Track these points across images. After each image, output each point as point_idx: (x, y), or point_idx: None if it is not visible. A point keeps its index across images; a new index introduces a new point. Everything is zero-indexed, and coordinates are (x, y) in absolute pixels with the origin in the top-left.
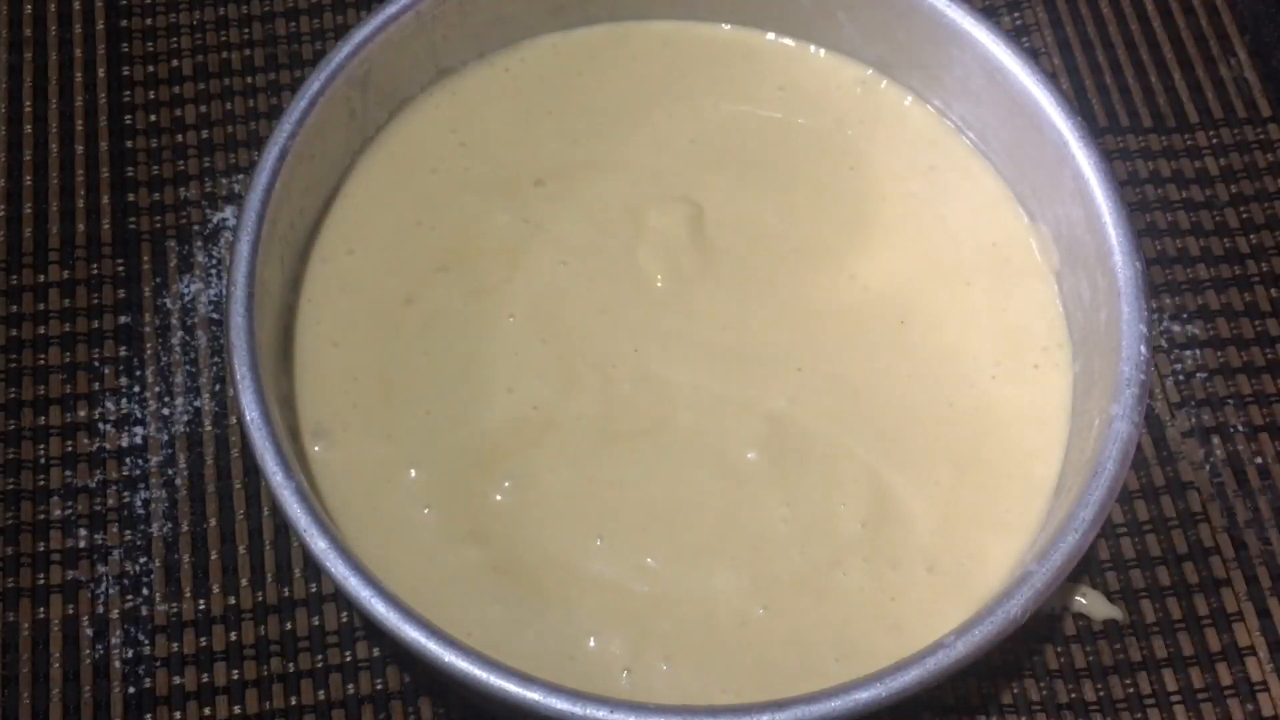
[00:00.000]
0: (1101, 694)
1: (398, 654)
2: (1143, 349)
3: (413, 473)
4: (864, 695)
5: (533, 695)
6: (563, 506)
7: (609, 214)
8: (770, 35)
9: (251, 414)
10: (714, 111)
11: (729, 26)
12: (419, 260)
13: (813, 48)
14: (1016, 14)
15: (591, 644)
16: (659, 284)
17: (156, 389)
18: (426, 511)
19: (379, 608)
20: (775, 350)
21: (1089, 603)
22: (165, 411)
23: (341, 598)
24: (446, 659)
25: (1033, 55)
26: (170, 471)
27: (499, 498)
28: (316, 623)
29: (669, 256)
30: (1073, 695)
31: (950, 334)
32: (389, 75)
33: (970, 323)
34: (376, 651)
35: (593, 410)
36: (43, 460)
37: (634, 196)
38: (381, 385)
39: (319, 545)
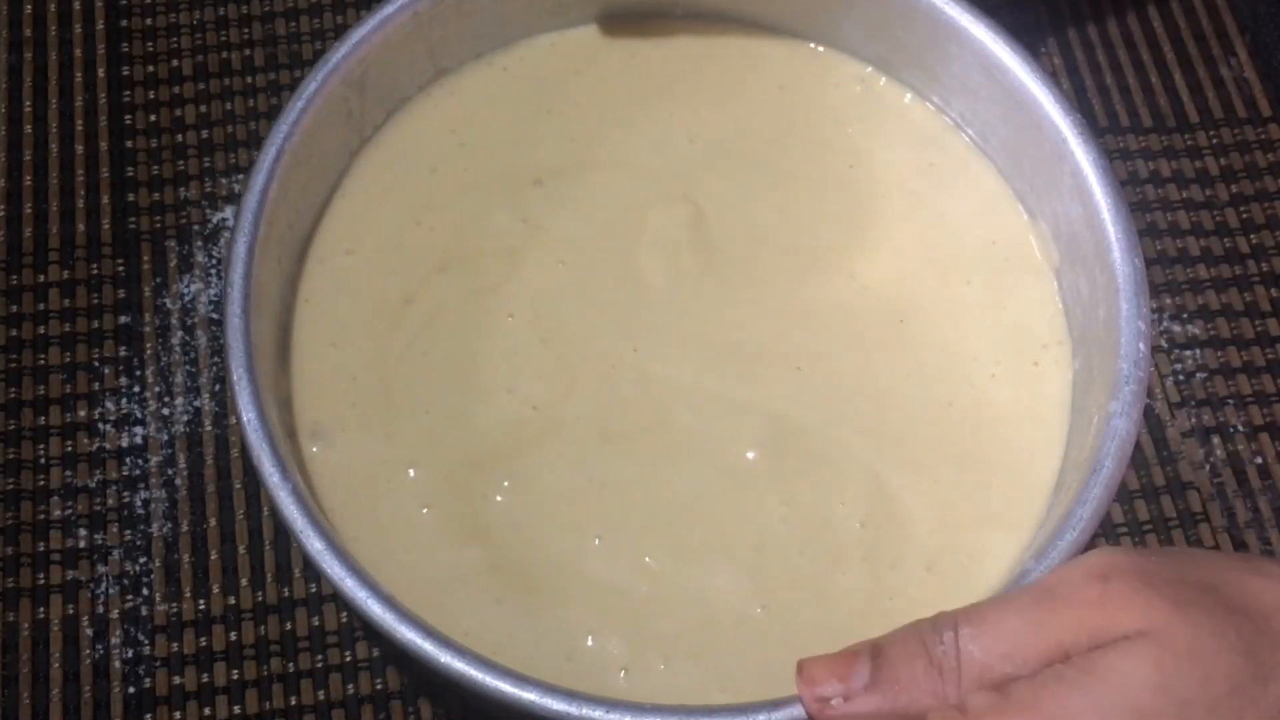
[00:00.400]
0: None
1: (397, 654)
2: (1141, 346)
3: (411, 473)
4: None
5: (529, 696)
6: (561, 506)
7: (608, 214)
8: (769, 33)
9: (248, 414)
10: (713, 110)
11: (728, 24)
12: (418, 260)
13: (812, 45)
14: (1017, 14)
15: (589, 643)
16: (658, 284)
17: (156, 389)
18: (425, 511)
19: (375, 609)
20: (774, 350)
21: None
22: (165, 411)
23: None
24: (442, 660)
25: (1033, 54)
26: (170, 471)
27: (498, 498)
28: (316, 623)
29: (668, 256)
30: None
31: (950, 332)
32: (387, 75)
33: (970, 321)
34: (376, 651)
35: (592, 410)
36: (43, 460)
37: (633, 196)
38: (380, 385)
39: (315, 546)
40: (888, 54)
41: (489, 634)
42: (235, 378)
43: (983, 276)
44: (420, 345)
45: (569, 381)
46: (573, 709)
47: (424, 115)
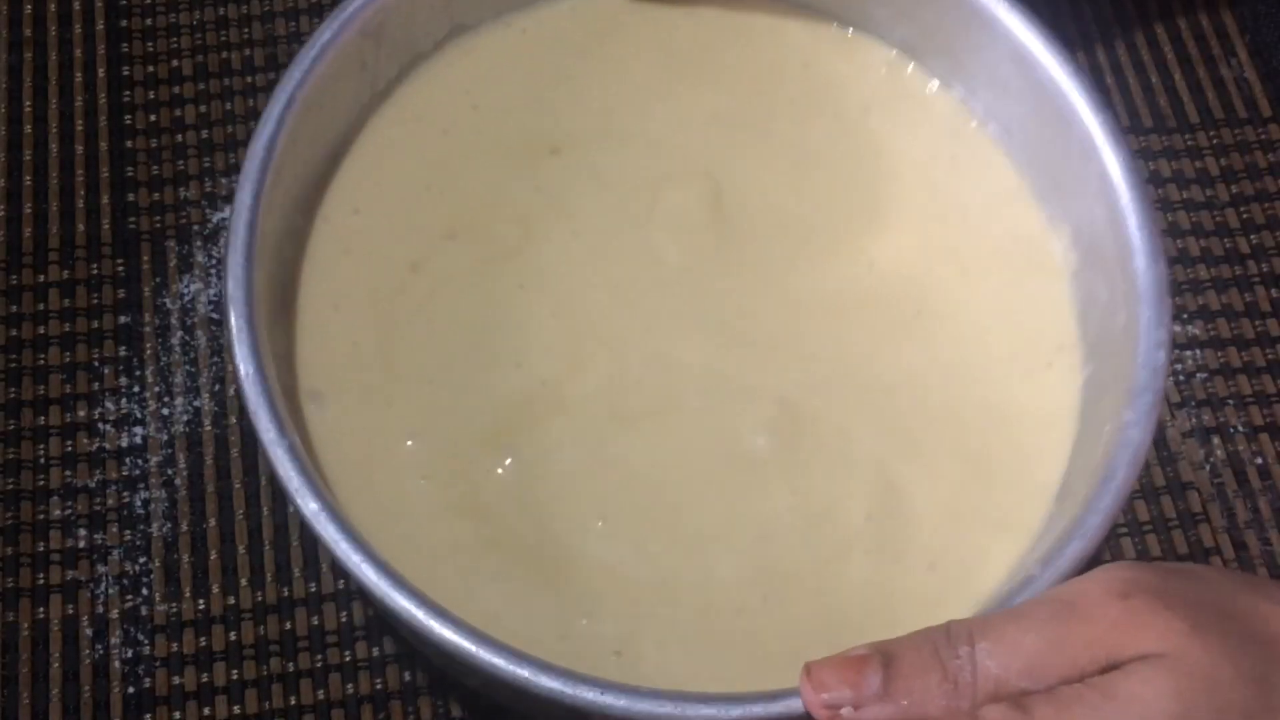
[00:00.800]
0: None
1: (398, 653)
2: (1161, 355)
3: (410, 442)
4: None
5: (522, 672)
6: (565, 485)
7: (625, 187)
8: (798, 11)
9: (247, 368)
10: (736, 87)
11: (757, 0)
12: (427, 226)
13: (840, 27)
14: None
15: (584, 624)
16: (673, 261)
17: (156, 389)
18: (423, 482)
19: (369, 574)
20: (788, 336)
21: None
22: (165, 411)
23: (341, 593)
24: (436, 631)
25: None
26: (170, 471)
27: (499, 472)
28: (316, 622)
29: (684, 234)
30: None
31: (965, 328)
32: (402, 28)
33: (985, 318)
34: (376, 651)
35: (601, 389)
36: (42, 460)
37: (651, 170)
38: (383, 351)
39: (310, 507)
40: (916, 40)
41: (482, 609)
42: (235, 328)
43: (1000, 273)
44: (426, 313)
45: (579, 358)
46: (567, 688)
47: (439, 74)
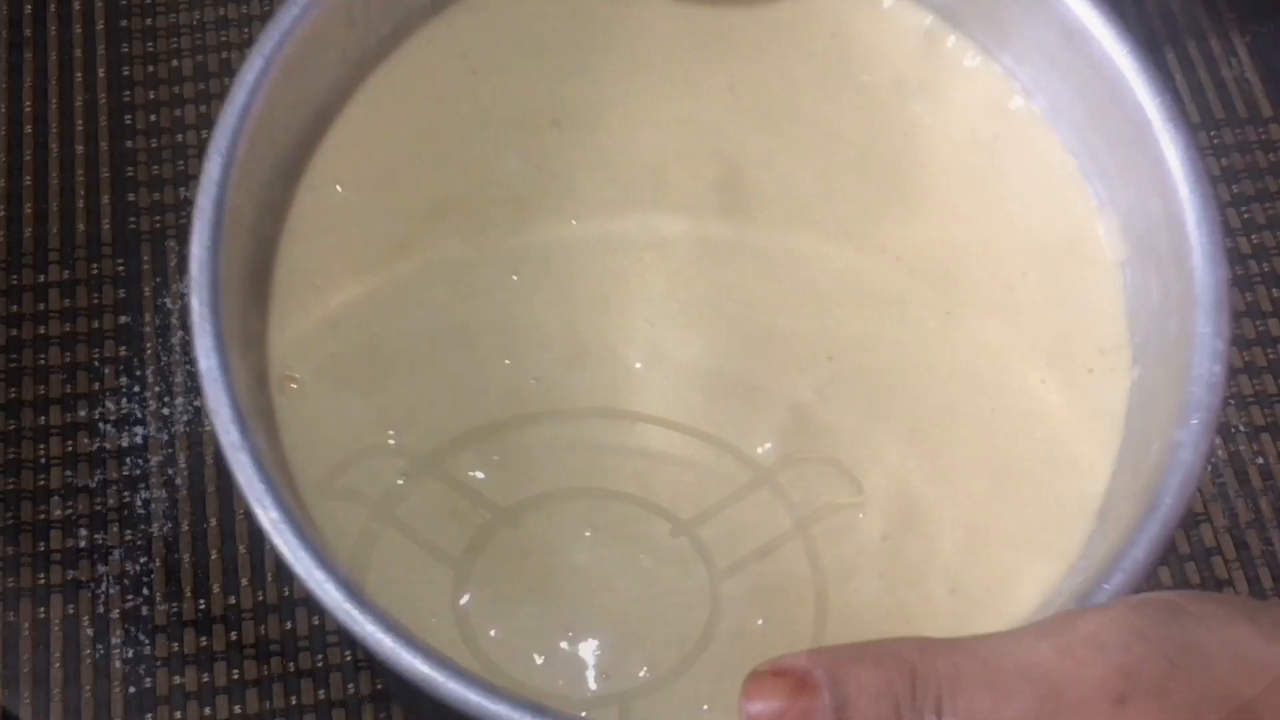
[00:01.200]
0: None
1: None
2: (1217, 369)
3: (391, 436)
4: None
5: (474, 697)
6: (554, 491)
7: (631, 166)
8: None
9: (208, 363)
10: (757, 57)
11: None
12: (416, 202)
13: None
14: None
15: (567, 642)
16: (680, 251)
17: (157, 389)
18: (401, 482)
19: (332, 593)
20: (804, 335)
21: None
22: (165, 411)
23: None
24: (405, 659)
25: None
26: (170, 471)
27: (482, 474)
28: (317, 622)
29: (693, 220)
30: None
31: (999, 329)
32: None
33: (1022, 317)
34: None
35: (598, 387)
36: (43, 460)
37: (660, 148)
38: (364, 337)
39: (270, 516)
40: (956, 5)
41: (461, 621)
42: (196, 318)
43: (1041, 268)
44: (412, 298)
45: (575, 353)
46: (515, 715)
47: (435, 34)
